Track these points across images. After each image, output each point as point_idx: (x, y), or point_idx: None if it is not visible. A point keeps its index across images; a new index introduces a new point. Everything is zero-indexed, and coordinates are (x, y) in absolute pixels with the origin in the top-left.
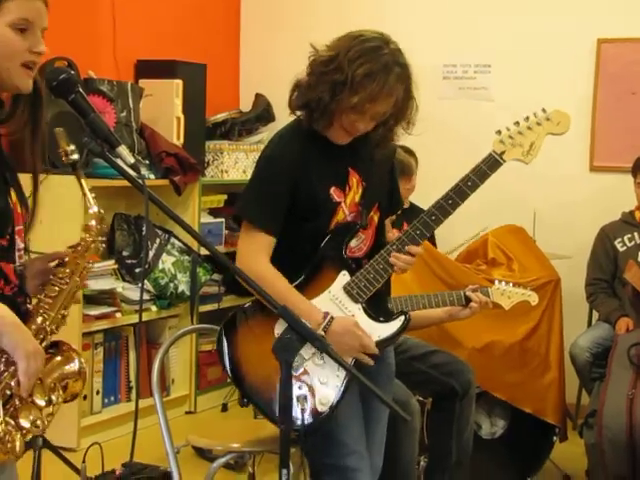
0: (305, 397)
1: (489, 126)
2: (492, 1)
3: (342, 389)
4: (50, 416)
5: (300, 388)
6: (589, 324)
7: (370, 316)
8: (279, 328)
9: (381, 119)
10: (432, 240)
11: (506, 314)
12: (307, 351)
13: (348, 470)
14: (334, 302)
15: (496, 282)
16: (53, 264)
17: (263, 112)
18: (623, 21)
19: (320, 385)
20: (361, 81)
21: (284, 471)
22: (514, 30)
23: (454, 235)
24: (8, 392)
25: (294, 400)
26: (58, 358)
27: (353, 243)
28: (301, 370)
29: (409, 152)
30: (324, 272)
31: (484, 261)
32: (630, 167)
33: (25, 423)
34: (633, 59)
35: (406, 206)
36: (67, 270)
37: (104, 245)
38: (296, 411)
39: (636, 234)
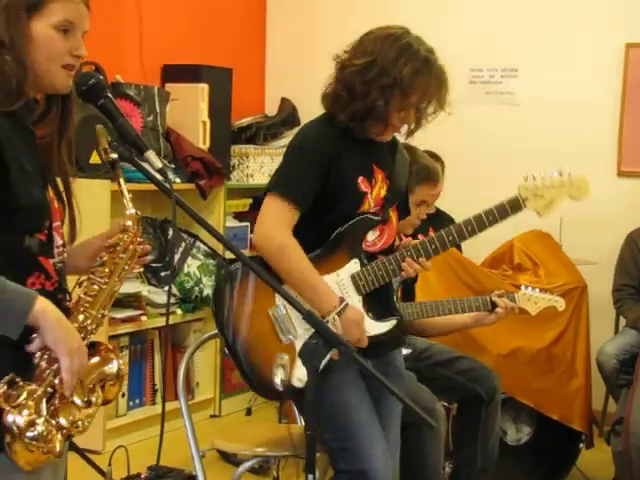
0: (284, 366)
1: (514, 134)
2: (519, 5)
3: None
4: (90, 417)
5: (282, 358)
6: (616, 330)
7: (366, 310)
8: (280, 299)
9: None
10: (458, 244)
11: (532, 320)
12: (303, 327)
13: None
14: (339, 286)
15: (522, 287)
16: (112, 241)
17: (289, 116)
18: None
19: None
20: (411, 80)
21: (310, 476)
22: (541, 34)
23: (479, 241)
24: (50, 390)
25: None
26: (97, 359)
27: (369, 236)
28: (290, 341)
29: (435, 157)
30: (338, 254)
31: (510, 266)
32: None
33: (65, 423)
34: None
35: (432, 211)
36: (106, 270)
37: (141, 247)
38: (275, 375)
39: None
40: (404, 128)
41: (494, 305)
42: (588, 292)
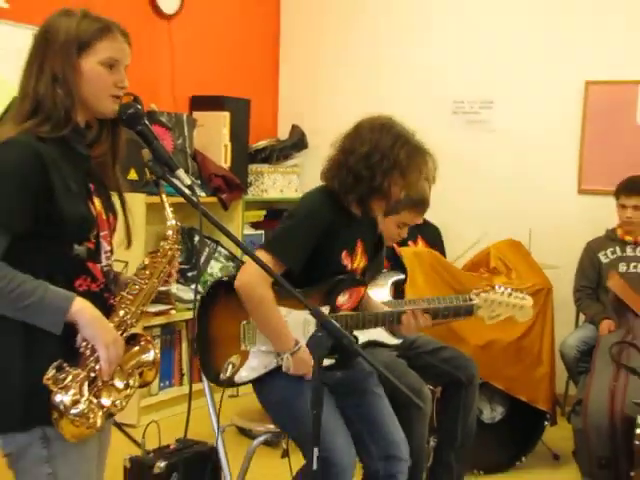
0: (234, 365)
1: (489, 158)
2: (494, 48)
3: (257, 377)
4: (128, 398)
5: (236, 358)
6: (576, 325)
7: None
8: None
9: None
10: (442, 250)
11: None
12: (262, 342)
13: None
14: (304, 324)
15: (497, 287)
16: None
17: (298, 141)
18: (607, 66)
19: (248, 366)
20: (407, 161)
21: (315, 449)
22: (513, 72)
23: (464, 244)
24: (92, 374)
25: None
26: (136, 348)
27: (341, 298)
28: (246, 349)
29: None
30: (315, 296)
31: (487, 270)
32: (613, 190)
33: (106, 402)
34: (616, 98)
35: (420, 222)
36: (147, 272)
37: (180, 252)
38: (225, 369)
39: (617, 248)
40: None
41: (471, 304)
42: (553, 292)
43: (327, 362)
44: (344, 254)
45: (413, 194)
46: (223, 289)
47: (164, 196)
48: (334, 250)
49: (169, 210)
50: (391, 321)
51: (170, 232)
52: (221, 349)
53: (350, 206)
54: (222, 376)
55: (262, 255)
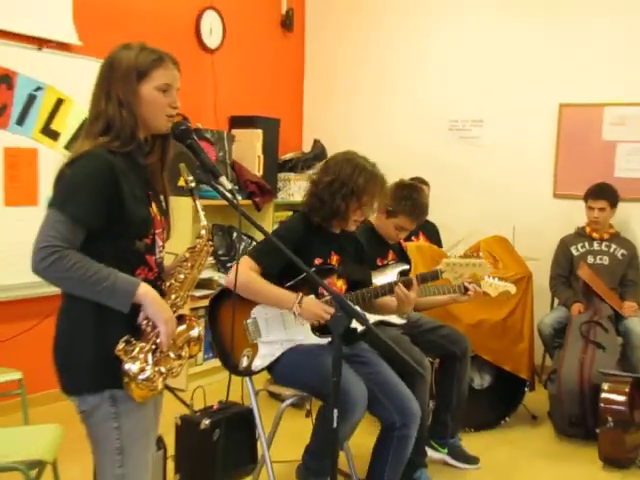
0: (248, 357)
1: (480, 168)
2: (484, 74)
3: (271, 362)
4: (180, 366)
5: (248, 351)
6: (552, 308)
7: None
8: (257, 311)
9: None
10: (440, 244)
11: (492, 300)
12: (276, 333)
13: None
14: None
15: (486, 277)
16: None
17: (319, 153)
18: (577, 91)
19: (260, 355)
20: (364, 186)
21: (335, 410)
22: (499, 95)
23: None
24: (154, 347)
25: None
26: (184, 326)
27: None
28: (254, 342)
29: (424, 182)
30: (304, 288)
31: None
32: (582, 195)
33: (164, 370)
34: (585, 118)
35: (414, 228)
36: (189, 264)
37: (212, 248)
38: (241, 361)
39: (586, 243)
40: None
41: (466, 289)
42: (533, 280)
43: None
44: (317, 260)
45: (367, 215)
46: (225, 296)
47: (197, 201)
48: (309, 258)
49: (202, 213)
50: (384, 293)
51: (203, 232)
52: (235, 344)
53: (329, 226)
54: (240, 367)
55: (244, 257)
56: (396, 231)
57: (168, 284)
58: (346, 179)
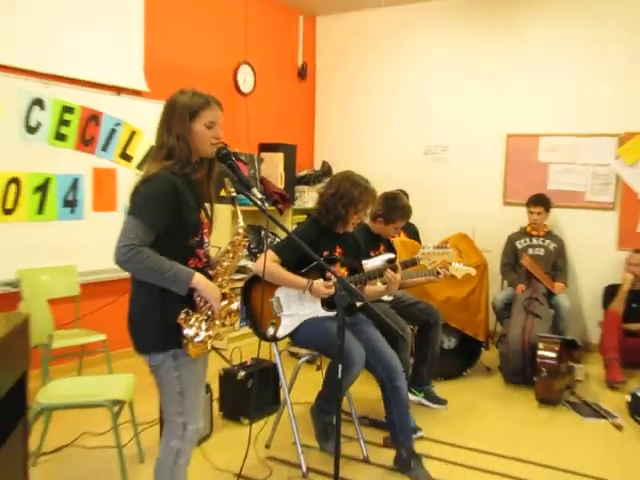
0: (274, 325)
1: (448, 182)
2: (450, 111)
3: (291, 331)
4: (225, 332)
5: (273, 323)
6: (502, 288)
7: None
8: (280, 292)
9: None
10: (418, 240)
11: (458, 281)
12: (286, 308)
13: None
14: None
15: (453, 263)
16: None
17: (326, 170)
18: (519, 124)
19: (283, 325)
20: (359, 198)
21: (340, 365)
22: (461, 127)
23: (430, 238)
24: (206, 317)
25: (269, 325)
26: (226, 302)
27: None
28: (277, 315)
29: (406, 194)
30: (315, 274)
31: None
32: (524, 202)
33: (213, 334)
34: (525, 145)
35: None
36: (230, 255)
37: (247, 242)
38: (268, 330)
39: (527, 239)
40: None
41: (438, 273)
42: (488, 267)
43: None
44: (325, 253)
45: (362, 219)
46: (255, 280)
47: (238, 207)
48: (318, 251)
49: (240, 216)
50: (375, 276)
51: (241, 230)
52: (263, 317)
53: (333, 227)
54: (268, 335)
55: (269, 251)
56: (396, 230)
57: (215, 271)
58: (345, 192)
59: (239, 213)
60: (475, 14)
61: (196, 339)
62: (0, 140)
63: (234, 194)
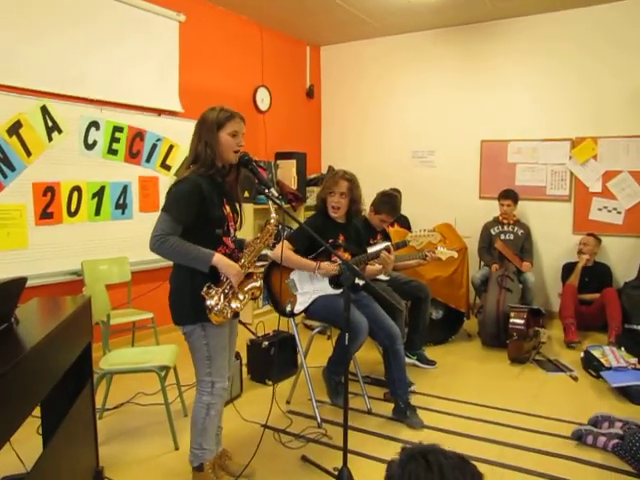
0: (291, 303)
1: (433, 181)
2: (435, 120)
3: (306, 307)
4: (245, 305)
5: (290, 300)
6: (479, 267)
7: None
8: (293, 274)
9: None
10: (410, 229)
11: (443, 263)
12: (301, 287)
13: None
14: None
15: (439, 247)
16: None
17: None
18: (491, 132)
19: (299, 302)
20: (326, 182)
21: (347, 334)
22: (444, 134)
23: (421, 226)
24: (226, 291)
25: (287, 303)
26: (251, 279)
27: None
28: (294, 294)
29: (398, 191)
30: (322, 258)
31: None
32: (496, 196)
33: (234, 305)
34: (496, 149)
35: (391, 221)
36: (258, 240)
37: (276, 231)
38: (286, 307)
39: (499, 226)
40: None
41: (426, 256)
42: (468, 250)
43: (340, 290)
44: (330, 240)
45: (338, 202)
46: (273, 265)
47: (271, 203)
48: (324, 239)
49: (273, 210)
50: (373, 257)
51: (273, 221)
52: (282, 296)
53: (335, 217)
54: (287, 310)
55: (285, 242)
56: (380, 222)
57: (242, 254)
58: (324, 181)
59: (272, 208)
60: (454, 42)
61: (215, 308)
62: (65, 156)
63: (269, 194)
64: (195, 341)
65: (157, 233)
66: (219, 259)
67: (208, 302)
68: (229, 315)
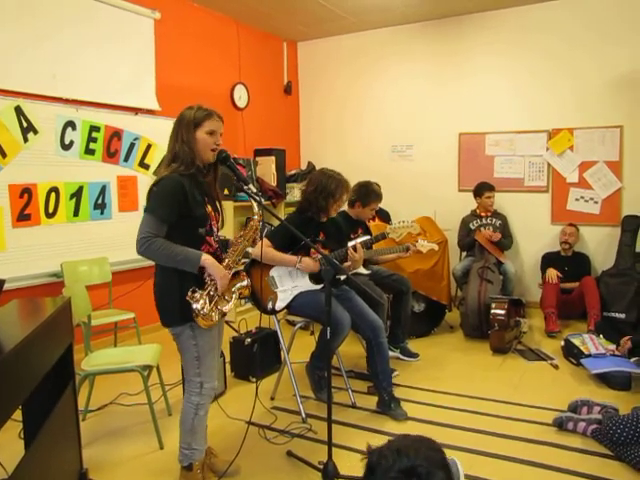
0: (272, 300)
1: (412, 174)
2: (413, 114)
3: (287, 303)
4: (232, 306)
5: (271, 297)
6: (460, 259)
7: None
8: (273, 271)
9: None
10: (389, 219)
11: (424, 255)
12: (281, 285)
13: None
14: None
15: (419, 240)
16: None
17: (311, 169)
18: (469, 125)
19: (280, 299)
20: (335, 191)
21: (328, 329)
22: (422, 128)
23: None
24: (212, 294)
25: (268, 301)
26: (237, 279)
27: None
28: (275, 290)
29: (378, 185)
30: (301, 254)
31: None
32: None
33: (221, 307)
34: (474, 141)
35: (377, 209)
36: (241, 238)
37: (260, 226)
38: (267, 304)
39: (478, 220)
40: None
41: (408, 249)
42: (448, 242)
43: (320, 285)
44: (310, 237)
45: (341, 207)
46: (255, 262)
47: (253, 201)
48: (305, 236)
49: (255, 207)
50: (342, 255)
51: (256, 217)
52: (263, 293)
53: (317, 217)
54: (268, 308)
55: (265, 240)
56: (372, 212)
57: (225, 255)
58: (323, 187)
59: (254, 204)
60: (431, 36)
61: (202, 312)
62: (41, 157)
63: (248, 190)
64: (184, 341)
65: (143, 236)
66: (207, 259)
67: (194, 306)
68: (216, 318)
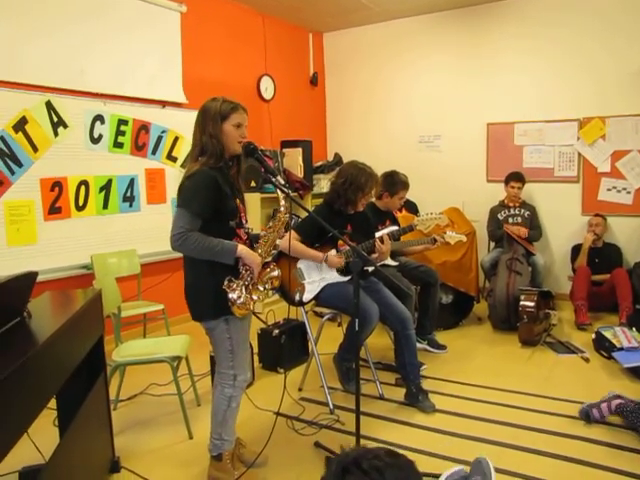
0: (300, 292)
1: (440, 165)
2: (441, 105)
3: (314, 295)
4: (266, 295)
5: (299, 289)
6: (488, 250)
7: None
8: (301, 263)
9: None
10: (416, 210)
11: (452, 247)
12: (308, 276)
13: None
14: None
15: (447, 231)
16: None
17: (338, 160)
18: (497, 114)
19: (307, 291)
20: (364, 184)
21: (357, 320)
22: (450, 118)
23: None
24: (247, 283)
25: (296, 292)
26: (268, 269)
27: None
28: (302, 282)
29: (405, 177)
30: (326, 247)
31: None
32: (503, 179)
33: (255, 297)
34: (503, 131)
35: (404, 200)
36: (271, 230)
37: (288, 219)
38: (295, 296)
39: (506, 210)
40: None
41: (435, 240)
42: (476, 234)
43: (348, 277)
44: (338, 230)
45: (369, 199)
46: (282, 254)
47: (279, 192)
48: (333, 228)
49: (282, 198)
50: (370, 247)
51: (283, 209)
52: (290, 285)
53: (345, 210)
54: (295, 300)
55: (292, 232)
56: (400, 201)
57: (258, 245)
58: (353, 179)
59: (281, 197)
60: (457, 24)
61: (238, 301)
62: (71, 151)
63: (276, 182)
64: (218, 335)
65: (177, 230)
66: (242, 249)
67: (230, 295)
68: (252, 307)
